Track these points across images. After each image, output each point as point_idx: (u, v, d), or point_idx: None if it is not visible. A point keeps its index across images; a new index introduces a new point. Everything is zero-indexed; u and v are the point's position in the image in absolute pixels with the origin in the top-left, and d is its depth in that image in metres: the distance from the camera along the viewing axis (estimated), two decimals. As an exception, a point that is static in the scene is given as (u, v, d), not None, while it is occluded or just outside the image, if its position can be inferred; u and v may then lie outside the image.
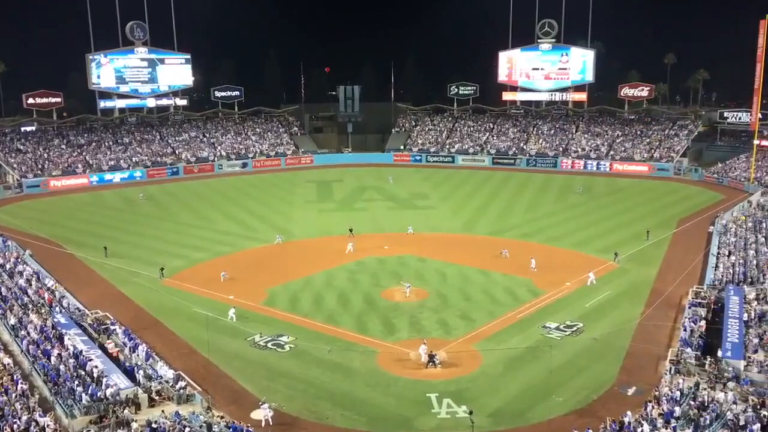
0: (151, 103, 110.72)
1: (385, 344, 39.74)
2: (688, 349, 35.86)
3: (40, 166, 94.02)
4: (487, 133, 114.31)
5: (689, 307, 42.24)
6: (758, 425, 27.68)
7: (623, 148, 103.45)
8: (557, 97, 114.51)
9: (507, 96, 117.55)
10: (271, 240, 62.54)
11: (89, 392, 30.75)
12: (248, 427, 29.18)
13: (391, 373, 36.27)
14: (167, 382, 32.81)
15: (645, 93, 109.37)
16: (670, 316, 43.47)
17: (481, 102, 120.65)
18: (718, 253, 52.95)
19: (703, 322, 39.67)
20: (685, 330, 38.65)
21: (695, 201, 78.36)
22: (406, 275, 51.74)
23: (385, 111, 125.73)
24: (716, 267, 49.86)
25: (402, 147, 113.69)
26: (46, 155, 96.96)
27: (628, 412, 29.47)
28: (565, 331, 41.18)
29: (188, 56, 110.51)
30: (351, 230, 62.21)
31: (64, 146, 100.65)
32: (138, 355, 36.01)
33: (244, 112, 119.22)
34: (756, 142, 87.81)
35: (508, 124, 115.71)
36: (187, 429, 28.48)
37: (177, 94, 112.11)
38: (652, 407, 29.92)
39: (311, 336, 40.72)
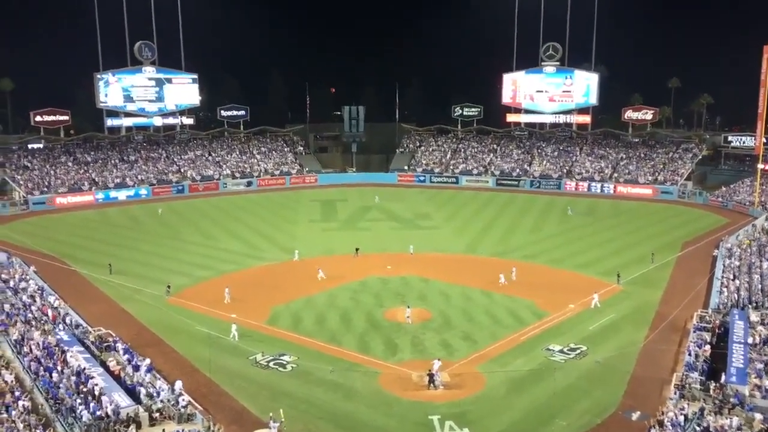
0: (158, 121, 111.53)
1: (388, 365, 39.58)
2: (693, 374, 35.64)
3: (46, 183, 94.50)
4: (491, 155, 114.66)
5: (694, 331, 42.04)
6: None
7: (627, 171, 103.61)
8: (561, 119, 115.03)
9: (511, 118, 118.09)
10: (275, 258, 62.69)
11: (90, 410, 30.66)
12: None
13: (393, 394, 36.07)
14: (168, 400, 32.69)
15: (649, 116, 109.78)
16: (675, 340, 43.24)
17: (485, 123, 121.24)
18: (723, 277, 52.76)
19: (707, 347, 39.47)
20: (689, 354, 38.44)
21: (700, 224, 78.28)
22: (408, 296, 51.69)
23: (389, 131, 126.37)
24: (721, 291, 49.65)
25: (406, 167, 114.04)
26: (52, 172, 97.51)
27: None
28: (569, 354, 40.99)
29: (195, 76, 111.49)
30: (357, 250, 62.21)
31: (70, 163, 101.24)
32: (139, 374, 35.92)
33: (249, 131, 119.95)
34: (760, 166, 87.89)
35: (512, 146, 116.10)
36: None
37: (183, 112, 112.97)
38: (656, 432, 29.69)
39: (313, 356, 40.58)
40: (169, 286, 52.70)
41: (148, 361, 37.07)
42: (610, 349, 41.53)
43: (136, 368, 36.41)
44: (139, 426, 30.51)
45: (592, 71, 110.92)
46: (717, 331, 42.19)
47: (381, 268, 59.03)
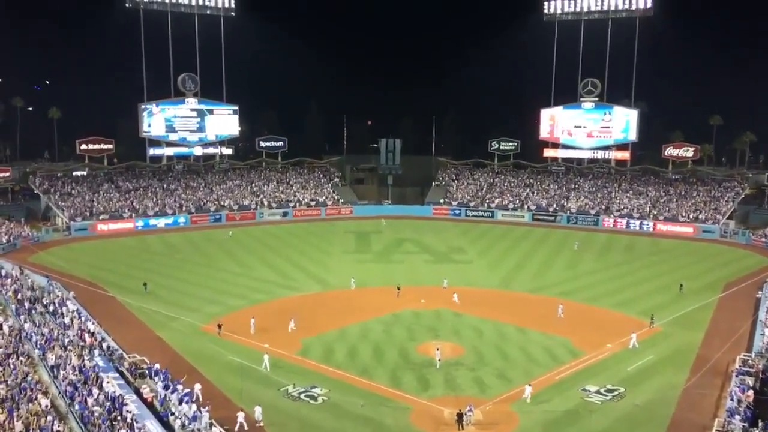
0: (198, 151, 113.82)
1: (419, 400, 39.07)
2: (735, 420, 34.39)
3: (89, 210, 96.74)
4: (527, 189, 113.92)
5: (736, 376, 40.66)
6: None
7: (667, 209, 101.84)
8: (599, 155, 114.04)
9: (548, 153, 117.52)
10: (309, 289, 63.04)
11: (122, 437, 30.82)
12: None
13: (424, 431, 35.52)
14: (200, 430, 32.67)
15: (690, 153, 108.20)
16: (717, 384, 41.85)
17: (522, 158, 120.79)
18: (767, 320, 51.10)
19: (750, 392, 38.08)
20: (732, 399, 37.15)
21: (742, 264, 76.22)
22: (442, 331, 51.21)
23: (425, 164, 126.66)
24: (764, 334, 48.04)
25: (441, 200, 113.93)
26: (95, 199, 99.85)
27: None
28: (606, 396, 39.94)
29: (236, 107, 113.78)
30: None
31: (112, 191, 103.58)
32: (172, 402, 36.07)
33: (287, 162, 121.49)
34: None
35: (549, 181, 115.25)
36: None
37: (223, 143, 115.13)
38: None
39: (345, 389, 40.29)
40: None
41: (188, 389, 37.18)
42: (649, 392, 40.37)
43: (173, 392, 36.54)
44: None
45: (631, 107, 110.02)
46: (761, 376, 40.75)
47: (415, 301, 58.65)
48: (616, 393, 40.28)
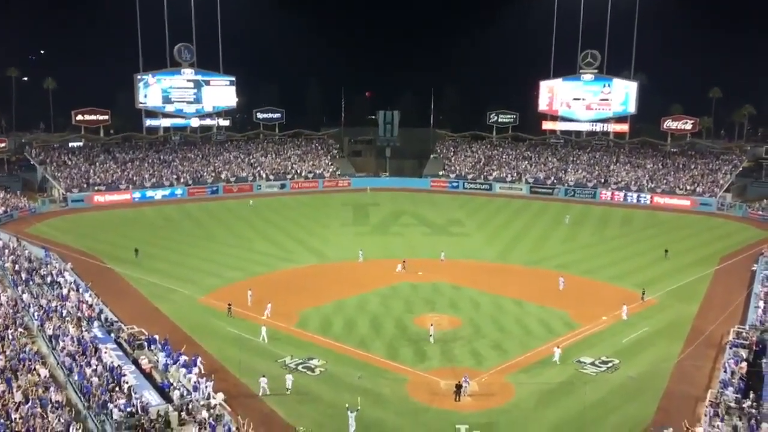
0: (195, 123, 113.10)
1: (416, 372, 39.41)
2: (728, 391, 34.76)
3: (85, 181, 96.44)
4: (526, 162, 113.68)
5: (730, 348, 40.99)
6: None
7: (665, 181, 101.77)
8: (598, 127, 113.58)
9: (547, 125, 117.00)
10: (306, 261, 63.25)
11: (121, 407, 31.08)
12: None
13: (421, 402, 35.91)
14: (197, 401, 32.97)
15: (689, 126, 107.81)
16: (710, 356, 42.24)
17: (521, 131, 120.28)
18: (762, 293, 51.35)
19: (744, 364, 38.43)
20: (725, 371, 37.52)
21: (739, 238, 76.41)
22: (439, 303, 51.50)
23: (423, 137, 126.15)
24: (759, 307, 48.36)
25: (440, 173, 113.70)
26: (91, 171, 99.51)
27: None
28: (601, 367, 40.31)
29: (233, 78, 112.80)
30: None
31: (109, 162, 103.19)
32: (171, 373, 36.35)
33: (284, 134, 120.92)
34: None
35: (547, 153, 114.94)
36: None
37: (220, 114, 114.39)
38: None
39: (342, 360, 40.62)
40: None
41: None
42: (643, 364, 40.75)
43: (167, 367, 36.84)
44: (168, 425, 30.76)
45: (631, 79, 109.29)
46: (755, 348, 41.11)
47: (412, 273, 58.84)
48: (610, 365, 40.66)
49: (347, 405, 32.60)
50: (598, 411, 34.82)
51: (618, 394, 36.97)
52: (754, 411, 32.53)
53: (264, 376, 36.54)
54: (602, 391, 37.18)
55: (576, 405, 35.27)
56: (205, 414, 31.45)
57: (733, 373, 37.04)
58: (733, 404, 33.46)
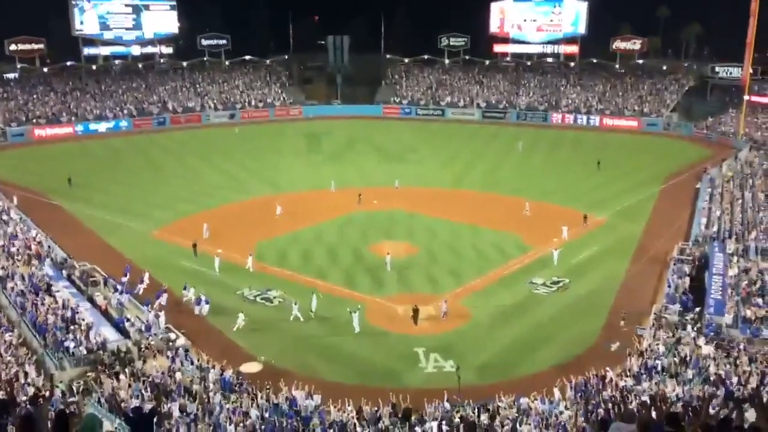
0: (136, 50, 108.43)
1: (374, 299, 40.06)
2: (672, 305, 36.43)
3: (24, 114, 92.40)
4: (477, 86, 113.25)
5: (674, 264, 42.74)
6: (735, 379, 28.28)
7: (614, 103, 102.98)
8: (549, 49, 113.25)
9: (498, 48, 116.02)
10: (260, 192, 62.62)
11: (78, 344, 30.89)
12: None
13: (379, 328, 36.68)
14: (156, 335, 32.99)
15: (637, 46, 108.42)
16: (656, 272, 44.03)
17: (472, 54, 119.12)
18: (705, 209, 53.29)
19: (687, 279, 40.23)
20: (669, 286, 39.22)
21: (684, 157, 78.47)
22: (395, 231, 51.96)
23: (374, 63, 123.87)
24: (702, 223, 50.26)
25: (392, 99, 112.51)
26: (30, 102, 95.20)
27: (611, 367, 30.05)
28: (552, 288, 41.66)
29: (174, 2, 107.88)
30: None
31: (48, 94, 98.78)
32: (123, 306, 36.15)
33: (231, 62, 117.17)
34: (746, 97, 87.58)
35: (499, 77, 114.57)
36: (178, 374, 28.81)
37: (162, 41, 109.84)
38: (635, 362, 30.53)
39: (300, 290, 40.89)
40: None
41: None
42: (592, 282, 42.29)
43: (121, 303, 36.61)
44: (131, 360, 30.73)
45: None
46: (697, 263, 42.92)
47: (368, 202, 58.87)
48: (561, 284, 42.03)
49: (348, 308, 36.23)
50: (549, 329, 36.23)
51: (568, 312, 38.44)
52: (695, 323, 34.28)
53: (242, 312, 36.54)
54: (553, 309, 38.65)
55: (529, 324, 36.64)
56: (165, 347, 31.57)
57: (676, 287, 38.74)
58: (676, 318, 35.15)
